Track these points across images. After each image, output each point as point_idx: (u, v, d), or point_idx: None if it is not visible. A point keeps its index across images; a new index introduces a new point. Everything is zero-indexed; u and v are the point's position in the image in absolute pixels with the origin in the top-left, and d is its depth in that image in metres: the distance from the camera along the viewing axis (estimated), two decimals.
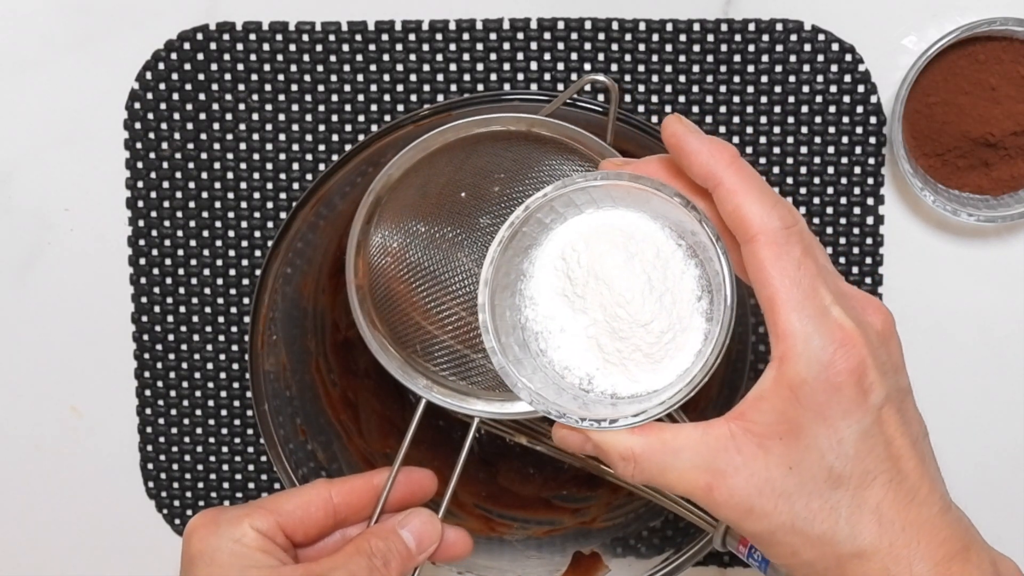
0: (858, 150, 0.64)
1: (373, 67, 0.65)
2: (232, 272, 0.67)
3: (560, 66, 0.65)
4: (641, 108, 0.65)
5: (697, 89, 0.64)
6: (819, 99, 0.64)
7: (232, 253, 0.67)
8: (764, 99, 0.64)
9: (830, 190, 0.65)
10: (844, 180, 0.65)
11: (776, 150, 0.65)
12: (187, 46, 0.65)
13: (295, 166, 0.66)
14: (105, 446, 0.69)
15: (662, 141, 0.46)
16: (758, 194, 0.44)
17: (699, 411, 0.61)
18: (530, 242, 0.48)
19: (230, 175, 0.66)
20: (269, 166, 0.66)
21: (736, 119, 0.64)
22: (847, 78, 0.64)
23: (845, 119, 0.64)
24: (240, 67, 0.65)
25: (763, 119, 0.64)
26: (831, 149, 0.65)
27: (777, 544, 0.45)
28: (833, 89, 0.64)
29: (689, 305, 0.46)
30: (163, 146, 0.66)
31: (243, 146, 0.66)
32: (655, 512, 0.64)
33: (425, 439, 0.63)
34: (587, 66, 0.64)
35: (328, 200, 0.59)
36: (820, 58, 0.64)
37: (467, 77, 0.65)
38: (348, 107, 0.65)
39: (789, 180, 0.65)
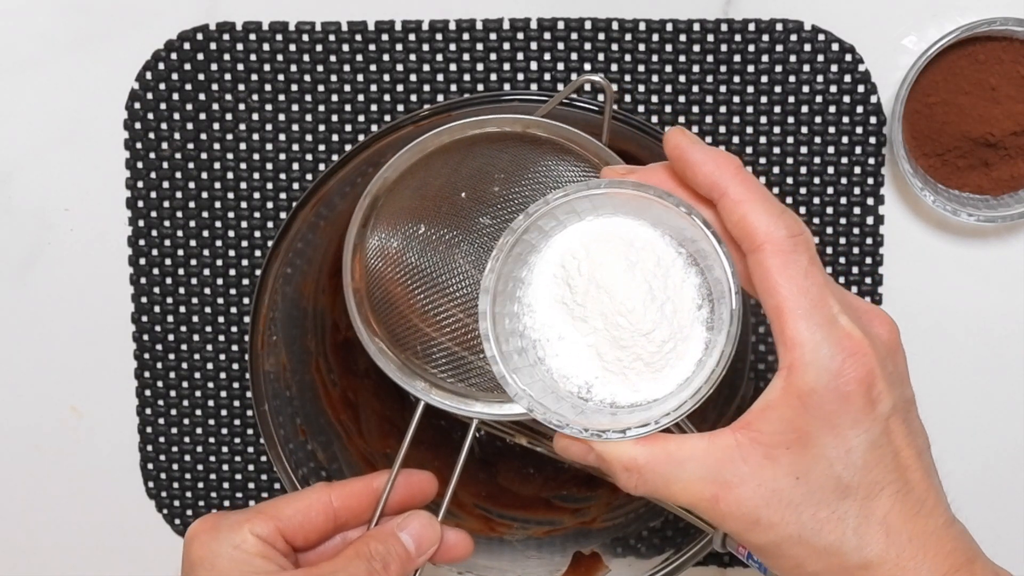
0: (858, 150, 0.64)
1: (373, 67, 0.65)
2: (232, 272, 0.67)
3: (560, 66, 0.65)
4: (641, 108, 0.65)
5: (697, 89, 0.64)
6: (819, 99, 0.64)
7: (232, 253, 0.67)
8: (764, 99, 0.64)
9: (830, 190, 0.65)
10: (844, 180, 0.65)
11: (776, 150, 0.65)
12: (187, 46, 0.65)
13: (295, 166, 0.66)
14: (105, 446, 0.69)
15: (664, 152, 0.46)
16: (764, 204, 0.44)
17: (698, 411, 0.61)
18: (530, 249, 0.48)
19: (230, 175, 0.66)
20: (269, 166, 0.66)
21: (736, 119, 0.64)
22: (847, 78, 0.64)
23: (845, 119, 0.64)
24: (240, 67, 0.65)
25: (763, 119, 0.64)
26: (831, 149, 0.65)
27: (783, 556, 0.44)
28: (833, 89, 0.64)
29: (690, 314, 0.46)
30: (163, 146, 0.66)
31: (243, 146, 0.66)
32: (655, 512, 0.64)
33: (425, 440, 0.63)
34: (587, 66, 0.64)
35: (328, 200, 0.59)
36: (820, 58, 0.64)
37: (467, 77, 0.65)
38: (348, 107, 0.65)
39: (789, 180, 0.65)
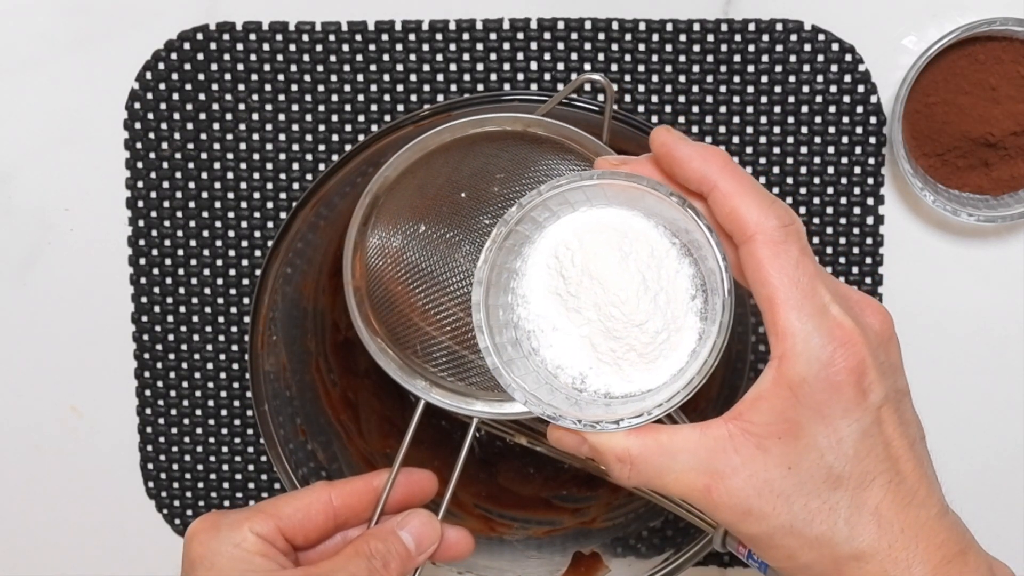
0: (858, 150, 0.64)
1: (373, 67, 0.65)
2: (232, 272, 0.67)
3: (560, 66, 0.65)
4: (641, 108, 0.65)
5: (697, 89, 0.64)
6: (819, 99, 0.64)
7: (232, 253, 0.67)
8: (764, 99, 0.64)
9: (830, 190, 0.65)
10: (844, 180, 0.65)
11: (776, 150, 0.65)
12: (187, 46, 0.65)
13: (295, 166, 0.66)
14: (105, 446, 0.69)
15: (651, 150, 0.46)
16: (754, 195, 0.44)
17: (698, 411, 0.61)
18: (523, 240, 0.48)
19: (230, 175, 0.66)
20: (269, 166, 0.66)
21: (736, 119, 0.64)
22: (847, 78, 0.64)
23: (845, 119, 0.64)
24: (240, 67, 0.65)
25: (763, 119, 0.64)
26: (831, 149, 0.65)
27: (775, 547, 0.44)
28: (833, 89, 0.64)
29: (683, 304, 0.46)
30: (163, 146, 0.66)
31: (243, 146, 0.66)
32: (655, 512, 0.64)
33: (425, 439, 0.63)
34: (587, 66, 0.64)
35: (328, 200, 0.59)
36: (820, 58, 0.64)
37: (467, 77, 0.65)
38: (348, 107, 0.65)
39: (789, 180, 0.65)
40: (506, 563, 0.63)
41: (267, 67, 0.65)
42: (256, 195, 0.66)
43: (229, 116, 0.65)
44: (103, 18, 0.65)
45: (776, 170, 0.65)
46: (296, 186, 0.66)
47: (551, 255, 0.47)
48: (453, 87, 0.65)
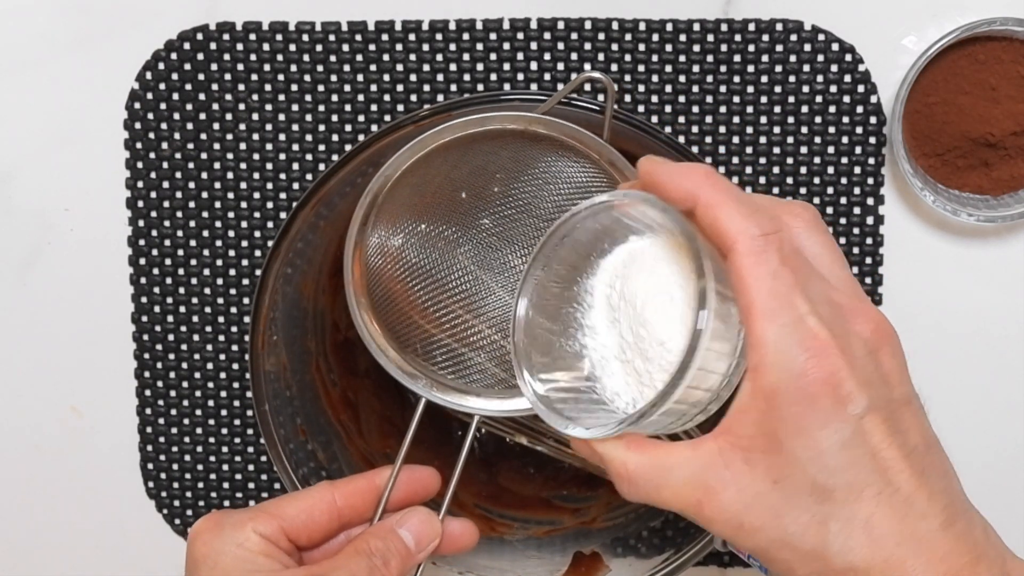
0: (858, 150, 0.64)
1: (373, 67, 0.65)
2: (232, 272, 0.67)
3: (560, 66, 0.65)
4: (641, 108, 0.65)
5: (697, 89, 0.64)
6: (819, 99, 0.64)
7: (232, 253, 0.67)
8: (764, 99, 0.64)
9: (830, 190, 0.65)
10: (844, 180, 0.65)
11: (776, 150, 0.65)
12: (187, 46, 0.65)
13: (295, 166, 0.66)
14: (105, 446, 0.69)
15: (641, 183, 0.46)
16: (735, 204, 0.43)
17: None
18: (576, 266, 0.49)
19: (230, 175, 0.66)
20: (269, 166, 0.66)
21: (736, 119, 0.65)
22: (847, 78, 0.64)
23: (845, 119, 0.64)
24: (240, 67, 0.65)
25: (763, 119, 0.64)
26: (831, 149, 0.65)
27: (772, 560, 0.44)
28: (833, 89, 0.64)
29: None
30: (163, 146, 0.66)
31: (243, 146, 0.66)
32: (655, 512, 0.64)
33: (426, 439, 0.63)
34: (587, 66, 0.64)
35: (328, 200, 0.59)
36: (820, 58, 0.64)
37: (467, 77, 0.65)
38: (348, 107, 0.65)
39: (789, 180, 0.65)
40: (506, 563, 0.63)
41: (267, 67, 0.65)
42: (256, 195, 0.66)
43: (229, 116, 0.65)
44: (103, 18, 0.65)
45: (776, 170, 0.65)
46: (296, 186, 0.66)
47: (608, 285, 0.48)
48: (453, 87, 0.65)
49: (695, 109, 0.65)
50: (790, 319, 0.42)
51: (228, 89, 0.65)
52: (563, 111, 0.56)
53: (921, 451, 0.44)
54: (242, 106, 0.65)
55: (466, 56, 0.65)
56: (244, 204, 0.66)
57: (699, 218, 0.44)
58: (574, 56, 0.64)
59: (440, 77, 0.65)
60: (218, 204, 0.66)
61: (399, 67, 0.65)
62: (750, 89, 0.64)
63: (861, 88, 0.64)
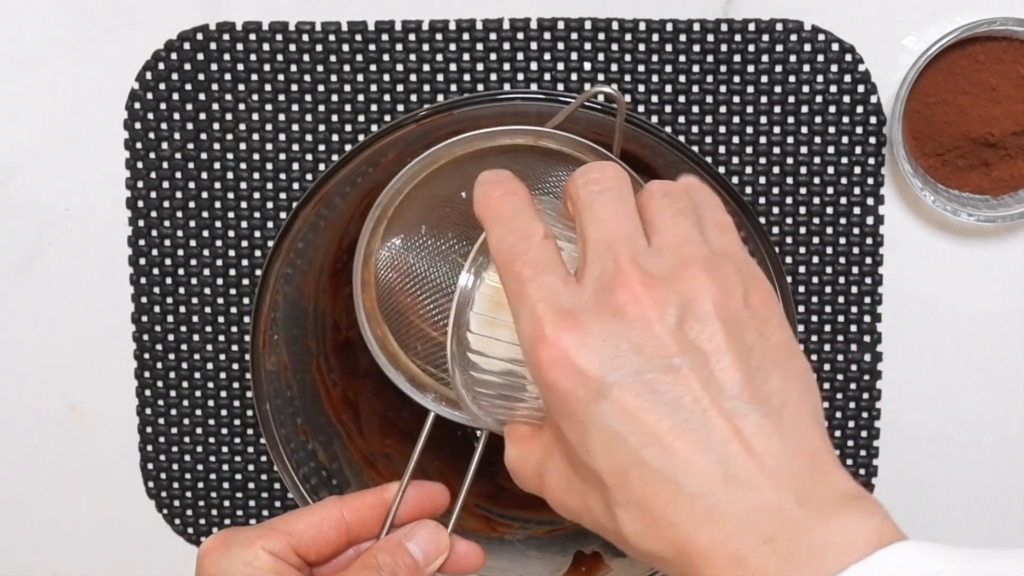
0: (858, 150, 0.65)
1: (373, 67, 0.65)
2: (232, 272, 0.67)
3: (560, 66, 0.65)
4: (641, 108, 0.65)
5: (697, 89, 0.64)
6: (819, 99, 0.64)
7: (232, 253, 0.67)
8: (764, 99, 0.64)
9: (830, 190, 0.65)
10: (844, 180, 0.65)
11: (776, 150, 0.65)
12: (187, 46, 0.65)
13: (295, 166, 0.66)
14: (105, 446, 0.69)
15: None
16: (491, 225, 0.45)
17: None
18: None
19: (230, 175, 0.66)
20: (269, 166, 0.66)
21: (736, 119, 0.65)
22: (847, 78, 0.64)
23: (845, 119, 0.64)
24: (240, 67, 0.65)
25: (763, 119, 0.64)
26: (831, 149, 0.65)
27: (632, 552, 0.41)
28: (833, 89, 0.64)
29: None
30: (163, 146, 0.66)
31: (243, 146, 0.66)
32: None
33: (427, 441, 0.63)
34: (587, 66, 0.64)
35: (328, 200, 0.59)
36: (820, 58, 0.64)
37: (467, 77, 0.65)
38: (348, 107, 0.65)
39: (789, 180, 0.65)
40: (507, 563, 0.63)
41: (267, 67, 0.65)
42: (256, 195, 0.66)
43: (229, 116, 0.65)
44: (103, 18, 0.65)
45: (776, 170, 0.65)
46: (296, 186, 0.66)
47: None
48: (453, 87, 0.65)
49: (695, 109, 0.65)
50: (527, 308, 0.42)
51: (228, 89, 0.65)
52: (570, 113, 0.56)
53: (690, 414, 0.39)
54: (242, 106, 0.65)
55: (466, 56, 0.65)
56: (244, 204, 0.66)
57: None
58: (574, 56, 0.64)
59: (440, 77, 0.65)
60: (218, 204, 0.66)
61: (399, 67, 0.65)
62: (750, 89, 0.64)
63: (861, 88, 0.64)
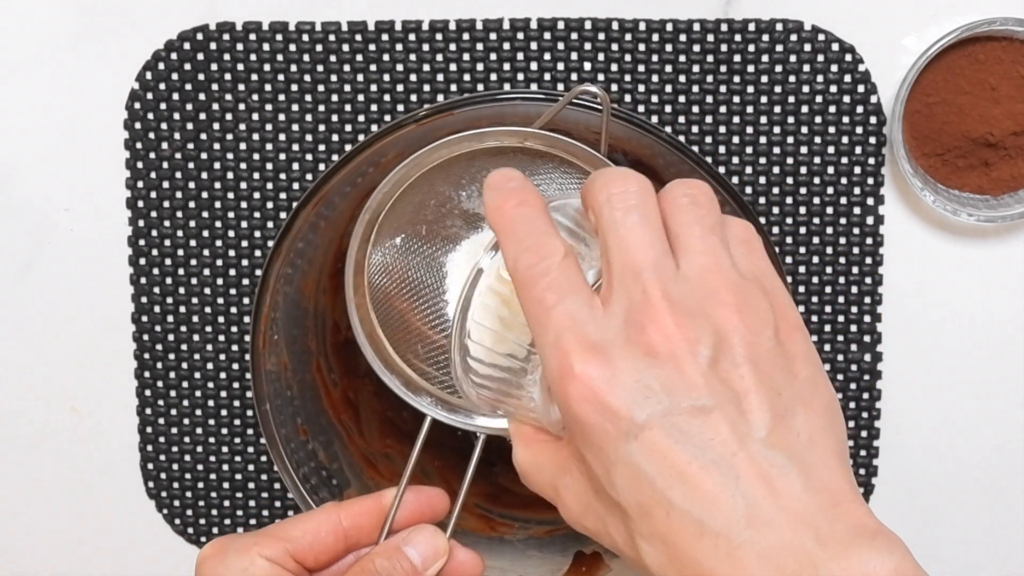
0: (858, 150, 0.65)
1: (373, 67, 0.65)
2: (232, 272, 0.67)
3: (560, 66, 0.65)
4: (641, 108, 0.65)
5: (697, 89, 0.64)
6: (819, 99, 0.64)
7: (232, 253, 0.67)
8: (764, 99, 0.64)
9: (830, 190, 0.65)
10: (844, 180, 0.65)
11: (776, 150, 0.65)
12: (187, 46, 0.65)
13: (295, 166, 0.66)
14: (105, 446, 0.69)
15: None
16: (506, 239, 0.44)
17: None
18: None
19: (230, 175, 0.66)
20: (269, 166, 0.66)
21: (736, 119, 0.65)
22: (847, 78, 0.64)
23: (845, 119, 0.64)
24: (240, 67, 0.65)
25: (763, 119, 0.64)
26: (831, 149, 0.65)
27: (644, 570, 0.42)
28: (833, 89, 0.64)
29: None
30: (163, 146, 0.66)
31: (243, 146, 0.66)
32: None
33: (426, 440, 0.63)
34: (587, 66, 0.64)
35: (328, 200, 0.59)
36: (820, 58, 0.64)
37: (467, 77, 0.65)
38: (348, 107, 0.65)
39: (789, 180, 0.65)
40: (507, 563, 0.63)
41: (267, 67, 0.65)
42: (256, 195, 0.66)
43: (229, 116, 0.65)
44: (103, 18, 0.65)
45: (776, 170, 0.65)
46: (296, 186, 0.66)
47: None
48: (453, 87, 0.65)
49: (695, 109, 0.65)
50: (550, 342, 0.41)
51: (228, 89, 0.65)
52: (559, 113, 0.56)
53: (718, 456, 0.40)
54: (242, 106, 0.65)
55: (466, 56, 0.65)
56: (244, 204, 0.66)
57: None
58: (574, 56, 0.64)
59: (440, 77, 0.65)
60: (218, 204, 0.66)
61: (399, 67, 0.65)
62: (750, 89, 0.64)
63: (861, 88, 0.64)
